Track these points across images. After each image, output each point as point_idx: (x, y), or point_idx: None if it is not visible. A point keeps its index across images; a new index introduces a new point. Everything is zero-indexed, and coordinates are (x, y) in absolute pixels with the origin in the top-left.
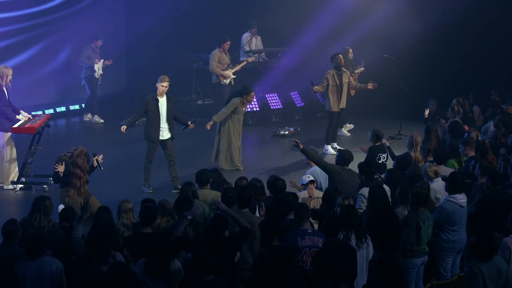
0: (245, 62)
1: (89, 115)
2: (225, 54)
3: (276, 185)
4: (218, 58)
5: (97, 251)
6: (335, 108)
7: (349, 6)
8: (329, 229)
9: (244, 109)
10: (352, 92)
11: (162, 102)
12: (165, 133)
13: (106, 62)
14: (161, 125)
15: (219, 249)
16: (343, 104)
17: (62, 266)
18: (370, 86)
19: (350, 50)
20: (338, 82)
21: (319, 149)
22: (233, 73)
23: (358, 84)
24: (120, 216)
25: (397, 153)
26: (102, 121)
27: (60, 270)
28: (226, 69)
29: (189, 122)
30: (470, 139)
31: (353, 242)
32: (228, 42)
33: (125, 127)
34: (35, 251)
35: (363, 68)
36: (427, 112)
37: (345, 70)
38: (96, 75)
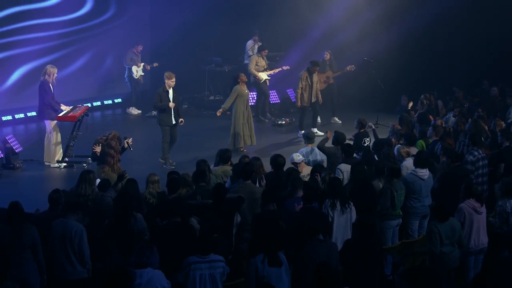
0: (280, 69)
1: (134, 109)
2: (263, 58)
3: (277, 161)
4: (255, 61)
5: (123, 211)
6: (305, 103)
7: (334, 17)
8: (305, 198)
9: (246, 90)
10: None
11: (171, 93)
12: (173, 120)
13: (147, 66)
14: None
15: (221, 210)
16: (313, 99)
17: (83, 230)
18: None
19: (327, 53)
20: (310, 82)
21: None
22: (268, 75)
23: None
24: (147, 186)
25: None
26: (139, 111)
27: (80, 233)
28: (262, 71)
29: (181, 119)
30: (439, 126)
31: (338, 207)
32: (266, 51)
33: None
34: (68, 209)
35: (351, 69)
36: (411, 104)
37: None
38: (135, 76)
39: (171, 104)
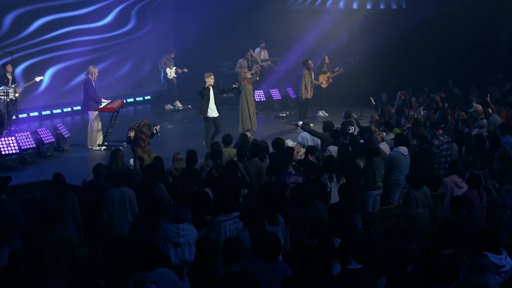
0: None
1: (177, 102)
2: (245, 60)
3: (278, 142)
4: (240, 64)
5: (148, 179)
6: (309, 96)
7: (325, 27)
8: (306, 171)
9: (249, 86)
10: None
11: (211, 90)
12: (213, 112)
13: (178, 70)
14: (209, 106)
15: (233, 184)
16: (312, 93)
17: (135, 194)
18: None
19: (326, 58)
20: (311, 78)
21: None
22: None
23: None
24: (173, 163)
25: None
26: (182, 106)
27: (134, 197)
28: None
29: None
30: (410, 116)
31: (334, 179)
32: (249, 53)
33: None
34: (118, 181)
35: (339, 71)
36: (372, 100)
37: (311, 70)
38: (169, 76)
39: None
